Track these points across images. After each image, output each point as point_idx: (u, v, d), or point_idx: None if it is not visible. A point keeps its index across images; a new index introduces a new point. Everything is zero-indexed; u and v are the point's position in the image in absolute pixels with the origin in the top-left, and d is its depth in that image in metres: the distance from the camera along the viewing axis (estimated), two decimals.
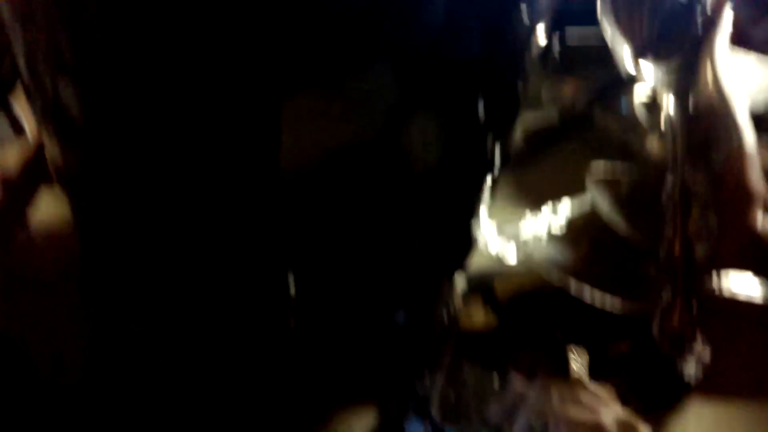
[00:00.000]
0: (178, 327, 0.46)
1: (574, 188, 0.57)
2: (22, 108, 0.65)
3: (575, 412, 0.45)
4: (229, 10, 0.30)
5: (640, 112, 0.60)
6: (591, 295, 0.52)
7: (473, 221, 0.47)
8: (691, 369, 0.48)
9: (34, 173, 0.50)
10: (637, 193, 0.55)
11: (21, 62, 0.37)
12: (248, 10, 0.30)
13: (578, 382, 0.47)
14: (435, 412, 0.47)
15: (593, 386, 0.47)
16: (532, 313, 0.54)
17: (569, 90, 0.66)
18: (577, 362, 0.49)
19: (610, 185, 0.56)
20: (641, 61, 0.58)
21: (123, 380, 0.48)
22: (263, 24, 0.31)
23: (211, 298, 0.42)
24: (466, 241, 0.49)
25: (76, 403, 0.46)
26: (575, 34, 0.70)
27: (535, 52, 0.41)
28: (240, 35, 0.31)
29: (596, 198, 0.55)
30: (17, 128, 0.65)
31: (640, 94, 0.61)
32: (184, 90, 0.33)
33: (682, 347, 0.49)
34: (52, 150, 0.41)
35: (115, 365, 0.49)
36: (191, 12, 0.30)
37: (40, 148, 0.50)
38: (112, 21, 0.32)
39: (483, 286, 0.55)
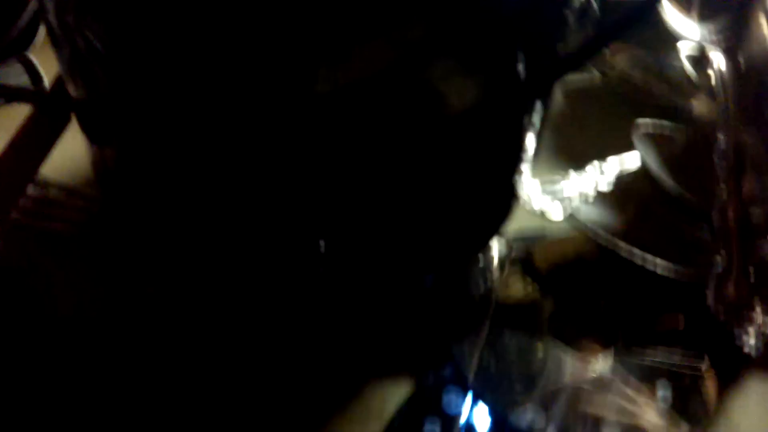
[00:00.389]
0: (199, 284, 0.45)
1: (619, 148, 0.54)
2: (40, 61, 0.65)
3: (612, 414, 0.44)
4: None
5: (687, 71, 0.58)
6: (640, 259, 0.49)
7: (513, 178, 0.45)
8: (751, 341, 0.46)
9: (47, 128, 0.48)
10: (687, 152, 0.53)
11: (51, 13, 0.37)
12: None
13: (616, 382, 0.44)
14: (474, 382, 0.45)
15: (633, 385, 0.45)
16: (576, 280, 0.51)
17: (611, 48, 0.63)
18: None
19: (658, 143, 0.53)
20: (687, 17, 0.56)
21: (139, 332, 0.47)
22: None
23: (237, 251, 0.41)
24: (506, 199, 0.47)
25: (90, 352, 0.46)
26: None
27: (575, 8, 0.40)
28: None
29: (644, 156, 0.52)
30: (36, 80, 0.64)
31: (687, 52, 0.58)
32: (221, 32, 0.32)
33: (740, 317, 0.46)
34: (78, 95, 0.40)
35: (131, 318, 0.48)
36: None
37: (54, 100, 0.49)
38: None
39: (524, 252, 0.52)
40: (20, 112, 0.52)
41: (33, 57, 0.65)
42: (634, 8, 0.35)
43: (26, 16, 0.61)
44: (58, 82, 0.48)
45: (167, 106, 0.36)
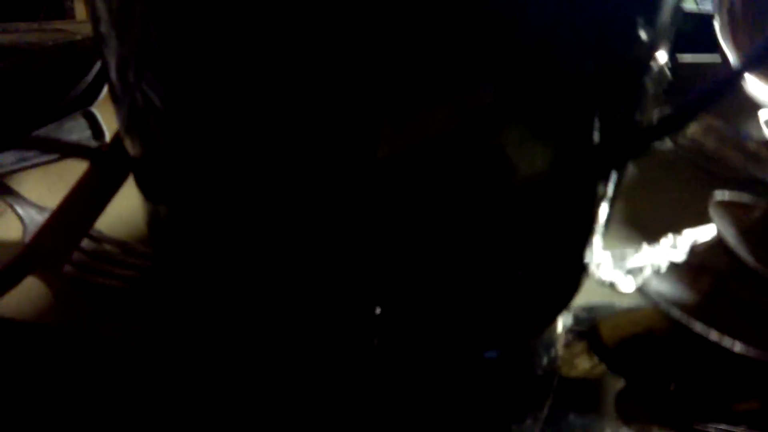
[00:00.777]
0: (250, 340, 0.43)
1: (694, 220, 0.52)
2: (103, 116, 0.67)
3: None
4: (327, 14, 0.29)
5: (765, 139, 0.55)
6: (715, 336, 0.46)
7: (584, 252, 0.43)
8: None
9: (104, 183, 0.49)
10: (766, 226, 0.50)
11: (112, 70, 0.37)
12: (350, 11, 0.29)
13: None
14: None
15: None
16: (645, 357, 0.48)
17: None
18: None
19: (735, 216, 0.50)
20: (765, 84, 0.54)
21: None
22: (365, 25, 0.29)
23: (290, 315, 0.40)
24: (575, 273, 0.44)
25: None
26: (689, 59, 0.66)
27: (652, 72, 0.38)
28: (338, 35, 0.29)
29: (720, 228, 0.49)
30: (98, 135, 0.67)
31: (765, 120, 0.56)
32: (282, 94, 0.31)
33: None
34: (135, 152, 0.40)
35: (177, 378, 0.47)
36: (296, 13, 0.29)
37: (110, 157, 0.49)
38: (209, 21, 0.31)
39: (590, 326, 0.50)
40: (80, 165, 0.52)
41: (97, 112, 0.67)
42: (719, 80, 0.33)
43: (92, 73, 0.63)
44: (116, 139, 0.48)
45: (224, 165, 0.35)
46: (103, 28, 0.35)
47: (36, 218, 0.57)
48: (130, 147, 0.40)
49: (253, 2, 0.29)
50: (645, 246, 0.51)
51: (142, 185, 0.42)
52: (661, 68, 0.41)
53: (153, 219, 0.43)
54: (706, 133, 0.62)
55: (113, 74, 0.37)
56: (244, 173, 0.34)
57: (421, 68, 0.30)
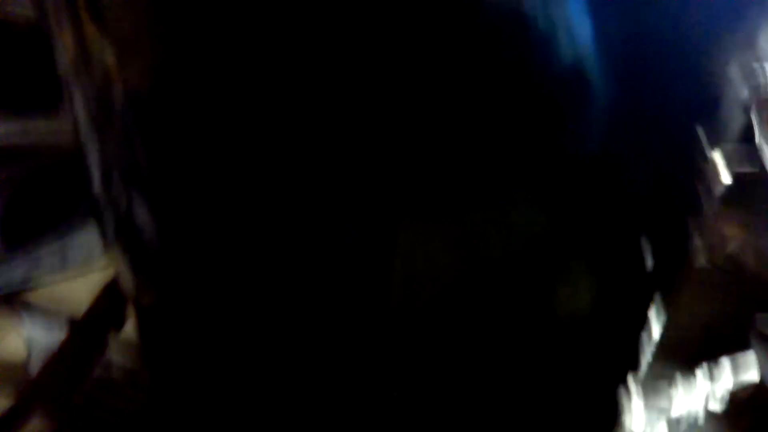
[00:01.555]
0: None
1: (730, 343, 0.48)
2: None
3: None
4: (339, 130, 0.26)
5: None
6: None
7: (620, 389, 0.39)
8: None
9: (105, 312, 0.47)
10: None
11: (95, 175, 0.35)
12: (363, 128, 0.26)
13: None
14: None
15: None
16: None
17: (727, 229, 0.57)
18: None
19: None
20: None
21: None
22: (379, 144, 0.26)
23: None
24: (610, 414, 0.40)
25: None
26: None
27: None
28: (350, 155, 0.27)
29: (762, 360, 0.45)
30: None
31: None
32: (278, 213, 0.29)
33: None
34: (123, 273, 0.38)
35: None
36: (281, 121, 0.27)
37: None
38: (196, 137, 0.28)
39: None
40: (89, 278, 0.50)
41: None
42: None
43: None
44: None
45: (221, 293, 0.32)
46: (84, 137, 0.33)
47: (41, 341, 0.55)
48: (119, 263, 0.38)
49: (249, 116, 0.27)
50: (679, 377, 0.47)
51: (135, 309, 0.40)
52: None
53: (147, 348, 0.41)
54: (744, 251, 0.58)
55: (97, 179, 0.35)
56: (243, 306, 0.32)
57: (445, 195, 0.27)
